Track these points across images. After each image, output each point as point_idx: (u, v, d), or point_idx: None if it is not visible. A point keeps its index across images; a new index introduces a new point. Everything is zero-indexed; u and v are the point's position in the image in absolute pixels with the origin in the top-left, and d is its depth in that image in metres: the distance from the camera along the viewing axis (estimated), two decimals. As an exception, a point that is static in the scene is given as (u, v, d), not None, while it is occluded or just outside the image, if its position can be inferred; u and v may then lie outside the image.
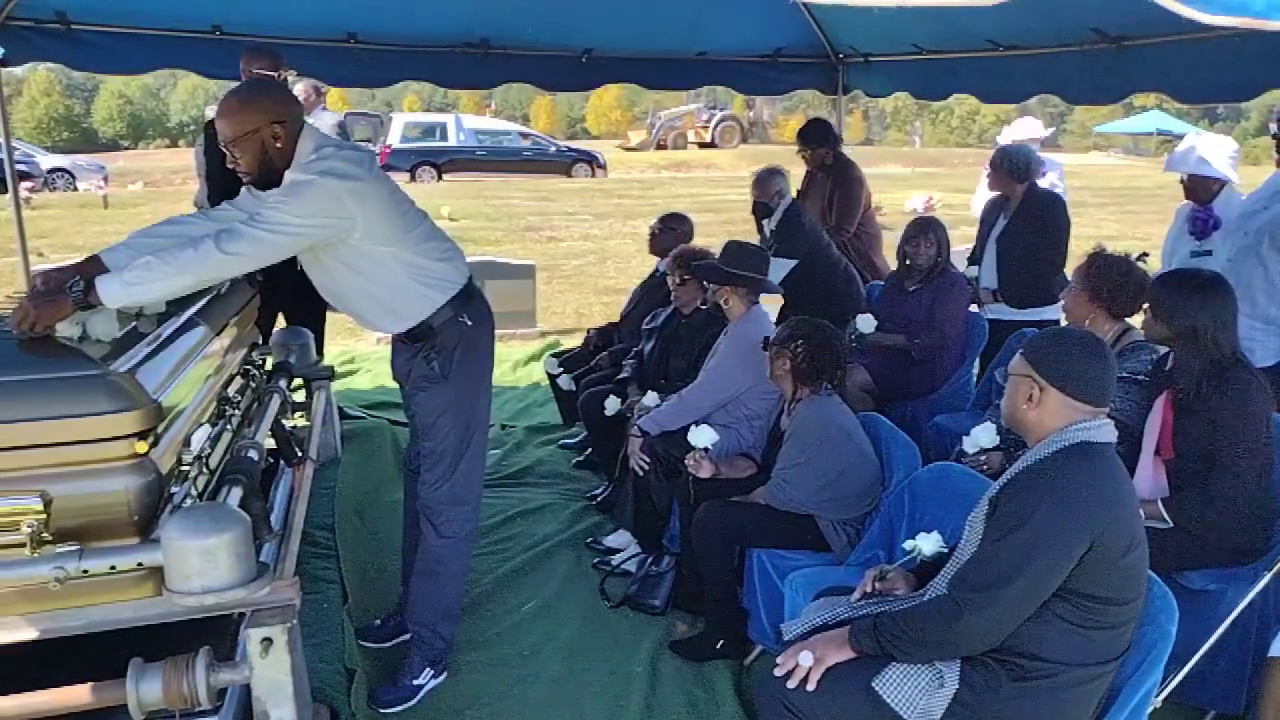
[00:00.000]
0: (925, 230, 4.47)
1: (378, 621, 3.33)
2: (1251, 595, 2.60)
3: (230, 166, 2.64)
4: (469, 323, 2.84)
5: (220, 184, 4.55)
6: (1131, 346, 3.21)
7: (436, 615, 3.02)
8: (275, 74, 4.56)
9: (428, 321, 2.79)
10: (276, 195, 2.53)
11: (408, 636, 3.21)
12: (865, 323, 4.48)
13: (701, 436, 3.44)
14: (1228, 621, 2.58)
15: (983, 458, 3.18)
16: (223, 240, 2.40)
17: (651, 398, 4.02)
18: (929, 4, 1.82)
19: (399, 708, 2.94)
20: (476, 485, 3.02)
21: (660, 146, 32.56)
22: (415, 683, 2.99)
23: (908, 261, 4.52)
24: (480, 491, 3.07)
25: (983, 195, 5.28)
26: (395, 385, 3.11)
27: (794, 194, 5.32)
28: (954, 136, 53.21)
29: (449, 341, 2.82)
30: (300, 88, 6.40)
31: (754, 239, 4.96)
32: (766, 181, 5.19)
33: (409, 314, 2.79)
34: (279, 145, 2.58)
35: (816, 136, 5.61)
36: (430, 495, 2.94)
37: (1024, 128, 5.87)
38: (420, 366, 2.83)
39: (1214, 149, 3.98)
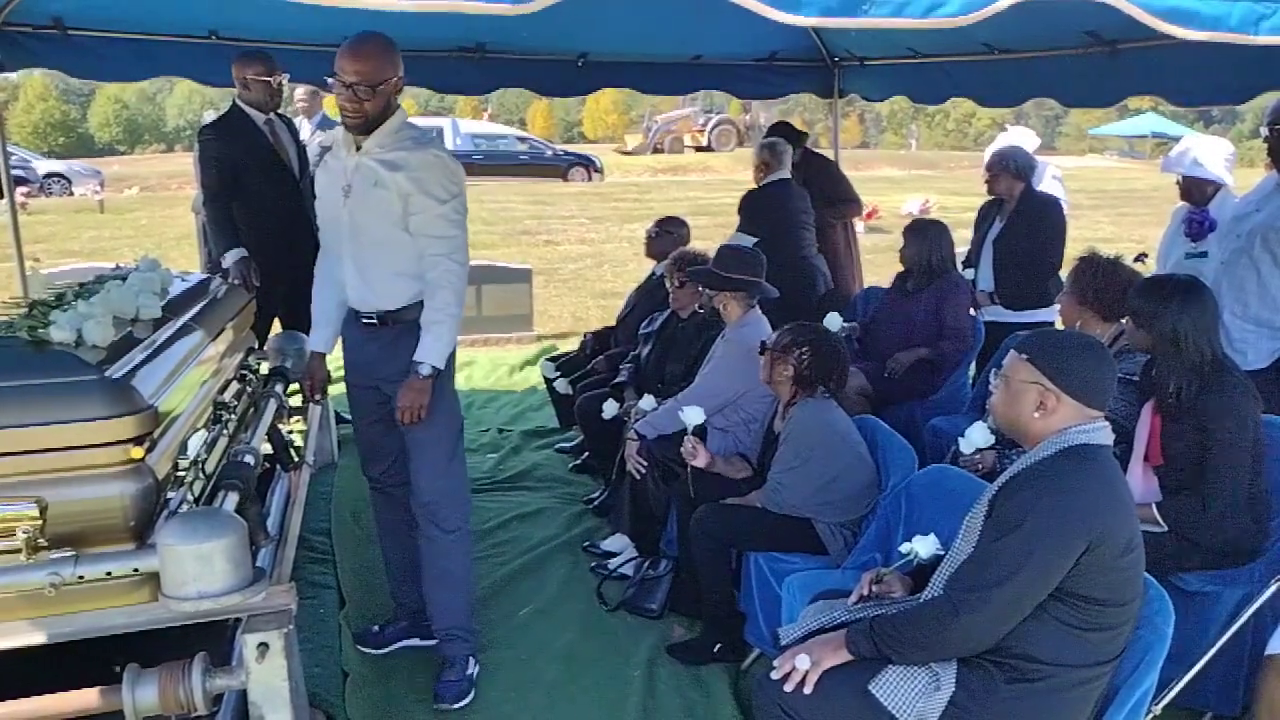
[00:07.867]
0: (908, 233, 4.51)
1: (375, 628, 3.32)
2: (1261, 600, 2.60)
3: (346, 103, 2.71)
4: None
5: (215, 191, 4.56)
6: (1127, 348, 3.21)
7: (461, 615, 3.08)
8: (270, 79, 4.55)
9: (410, 306, 2.85)
10: (433, 192, 2.70)
11: (406, 643, 3.26)
12: (831, 321, 4.48)
13: (692, 416, 3.45)
14: (1235, 627, 2.59)
15: (977, 456, 3.19)
16: (445, 263, 2.72)
17: (648, 401, 4.02)
18: (916, 26, 1.82)
19: (463, 701, 2.98)
20: (467, 481, 3.09)
21: (656, 150, 32.51)
22: (468, 673, 3.06)
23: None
24: (468, 489, 3.12)
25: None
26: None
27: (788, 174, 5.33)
28: (950, 140, 53.31)
29: None
30: (300, 92, 6.40)
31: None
32: (757, 155, 5.24)
33: (401, 295, 2.85)
34: (395, 99, 2.76)
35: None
36: (428, 488, 2.94)
37: (1016, 138, 5.86)
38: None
39: (1209, 151, 3.99)
